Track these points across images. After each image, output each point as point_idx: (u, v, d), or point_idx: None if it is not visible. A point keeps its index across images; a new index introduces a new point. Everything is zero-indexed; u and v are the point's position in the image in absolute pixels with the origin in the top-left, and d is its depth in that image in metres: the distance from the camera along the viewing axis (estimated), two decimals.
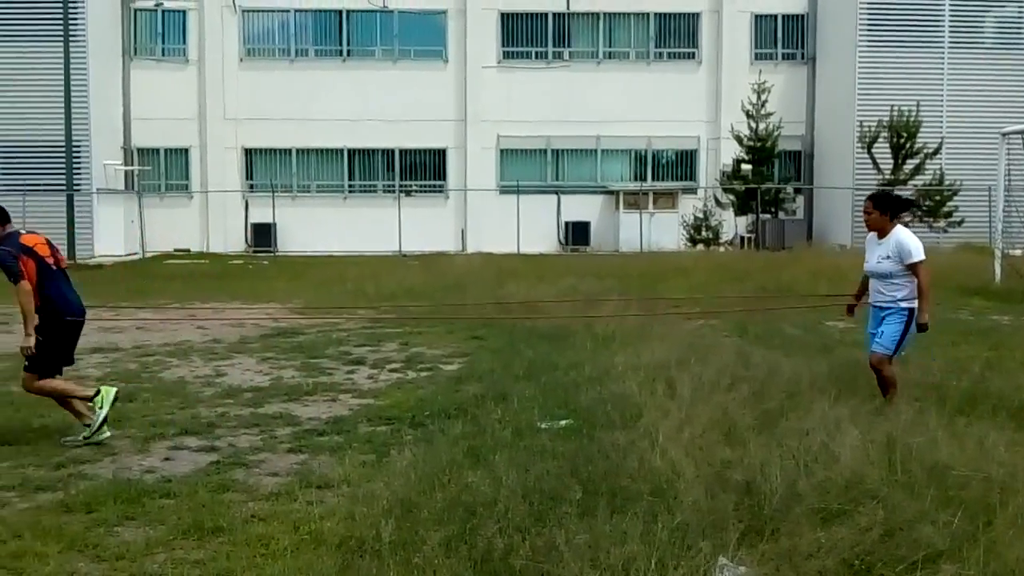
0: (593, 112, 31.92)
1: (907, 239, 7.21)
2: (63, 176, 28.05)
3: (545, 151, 32.75)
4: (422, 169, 32.95)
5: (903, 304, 7.23)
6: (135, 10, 32.23)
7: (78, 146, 28.30)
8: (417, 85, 31.99)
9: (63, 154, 27.99)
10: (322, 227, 31.29)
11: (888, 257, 7.25)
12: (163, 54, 32.63)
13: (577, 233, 31.90)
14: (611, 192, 32.21)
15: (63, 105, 27.74)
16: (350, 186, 32.82)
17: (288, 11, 32.60)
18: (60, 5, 27.87)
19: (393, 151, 32.63)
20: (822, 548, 4.50)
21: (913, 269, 7.18)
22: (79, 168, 28.44)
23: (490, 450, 6.33)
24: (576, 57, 32.79)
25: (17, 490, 5.94)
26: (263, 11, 32.67)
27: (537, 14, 32.58)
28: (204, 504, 5.55)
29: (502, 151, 32.67)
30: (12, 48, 28.55)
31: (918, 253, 7.16)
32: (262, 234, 31.53)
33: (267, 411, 8.12)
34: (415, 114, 31.79)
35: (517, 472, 5.66)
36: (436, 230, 31.48)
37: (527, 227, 30.65)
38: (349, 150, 32.52)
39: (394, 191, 32.28)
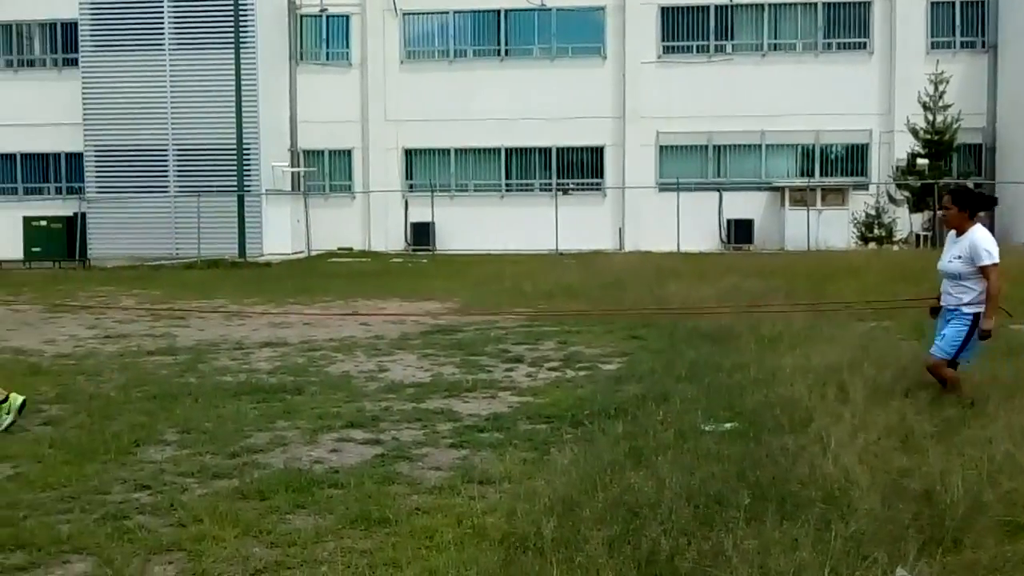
0: (757, 106, 31.08)
1: (981, 240, 6.87)
2: (234, 178, 29.32)
3: (706, 147, 32.13)
4: (579, 167, 32.87)
5: (966, 309, 6.92)
6: (301, 16, 33.38)
7: (248, 149, 29.46)
8: (575, 82, 31.92)
9: (234, 157, 29.25)
10: (479, 226, 31.65)
11: (959, 257, 6.96)
12: (327, 58, 33.66)
13: (740, 231, 31.16)
14: (776, 188, 31.34)
15: (234, 110, 28.98)
16: (507, 185, 33.07)
17: (447, 12, 33.09)
18: (231, 15, 29.13)
19: (550, 149, 32.70)
20: (1009, 562, 4.28)
21: (984, 272, 6.85)
22: (249, 170, 29.59)
23: (652, 451, 6.23)
24: (739, 50, 32.02)
25: (196, 476, 6.19)
26: (423, 13, 33.27)
27: (698, 7, 31.98)
28: (370, 495, 5.65)
29: (661, 147, 32.21)
30: (187, 57, 29.94)
31: (990, 256, 6.83)
32: (421, 233, 32.15)
33: (429, 406, 8.23)
34: (572, 112, 31.71)
35: (681, 474, 5.57)
36: (593, 228, 31.32)
37: (687, 225, 30.15)
38: (507, 149, 32.78)
39: (551, 189, 32.32)
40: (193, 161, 30.05)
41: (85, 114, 30.50)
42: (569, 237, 30.09)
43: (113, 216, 30.27)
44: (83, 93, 30.49)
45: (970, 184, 29.45)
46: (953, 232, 7.15)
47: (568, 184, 32.57)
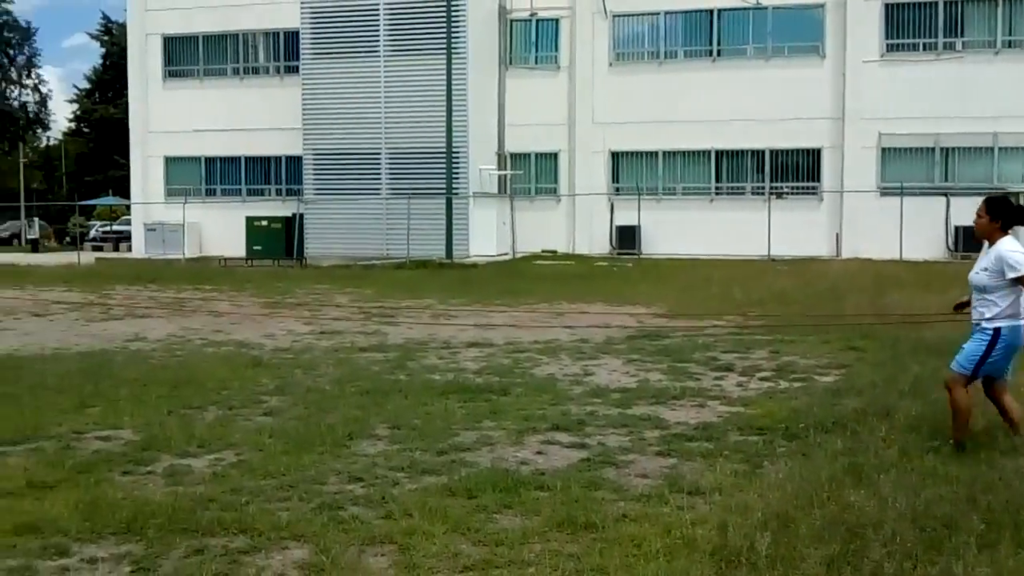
0: (989, 107, 29.07)
1: (1009, 251, 6.46)
2: (443, 181, 30.04)
3: (933, 150, 30.35)
4: (794, 170, 31.77)
5: (986, 324, 6.49)
6: (511, 21, 33.89)
7: (457, 152, 30.08)
8: (790, 83, 30.90)
9: (444, 160, 29.97)
10: (687, 230, 31.16)
11: (986, 269, 6.57)
12: (536, 62, 34.02)
13: (969, 239, 29.22)
14: (1011, 195, 29.20)
15: (445, 114, 29.69)
16: (717, 188, 32.40)
17: (658, 13, 32.77)
18: (444, 22, 29.86)
19: (763, 152, 31.78)
20: None
21: (1020, 282, 6.39)
22: (457, 173, 30.20)
23: (873, 469, 5.93)
24: (970, 47, 30.08)
25: (406, 471, 6.29)
26: (633, 15, 33.11)
27: (926, 3, 30.31)
28: (576, 499, 5.57)
29: (883, 150, 30.68)
30: (401, 63, 30.91)
31: (1019, 267, 6.35)
32: (626, 236, 31.96)
33: (635, 412, 8.08)
34: (788, 113, 30.71)
35: (905, 495, 5.30)
36: (808, 234, 30.23)
37: (910, 231, 28.58)
38: (717, 151, 32.11)
39: (763, 193, 31.45)
40: (404, 164, 30.96)
41: (304, 119, 32.04)
42: (782, 242, 29.16)
43: (328, 217, 31.66)
44: (303, 99, 32.04)
45: None
46: (987, 243, 6.78)
47: (782, 188, 31.55)
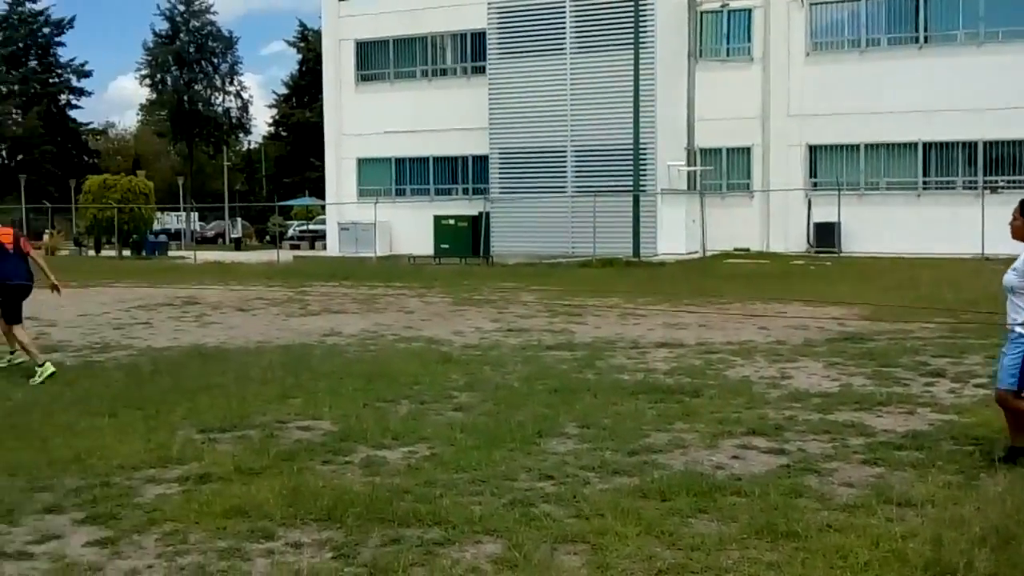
0: None
1: None
2: (630, 178, 29.81)
3: None
4: (1011, 162, 29.82)
5: (1021, 330, 6.24)
6: (701, 13, 33.29)
7: (644, 149, 29.81)
8: (1006, 69, 28.94)
9: (631, 157, 29.73)
10: (891, 226, 29.76)
11: (1015, 270, 6.42)
12: (727, 54, 33.31)
13: None
14: None
15: (632, 110, 29.46)
16: (924, 182, 30.81)
17: (858, 0, 31.49)
18: (631, 16, 29.62)
19: (976, 143, 29.97)
20: None
21: None
22: (645, 170, 29.93)
23: None
24: None
25: (596, 471, 6.20)
26: (831, 3, 31.97)
27: None
28: (776, 507, 5.33)
29: None
30: (587, 59, 30.87)
31: None
32: (825, 234, 30.80)
33: (837, 418, 7.69)
34: (1003, 101, 28.76)
35: None
36: None
37: None
38: (924, 143, 30.52)
39: (976, 187, 29.67)
40: (590, 162, 30.92)
41: (491, 118, 32.50)
42: (997, 240, 27.21)
43: (514, 215, 31.99)
44: (489, 98, 32.50)
45: None
46: None
47: (998, 181, 29.61)
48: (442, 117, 35.92)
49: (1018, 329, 6.31)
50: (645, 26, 29.79)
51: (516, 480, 5.98)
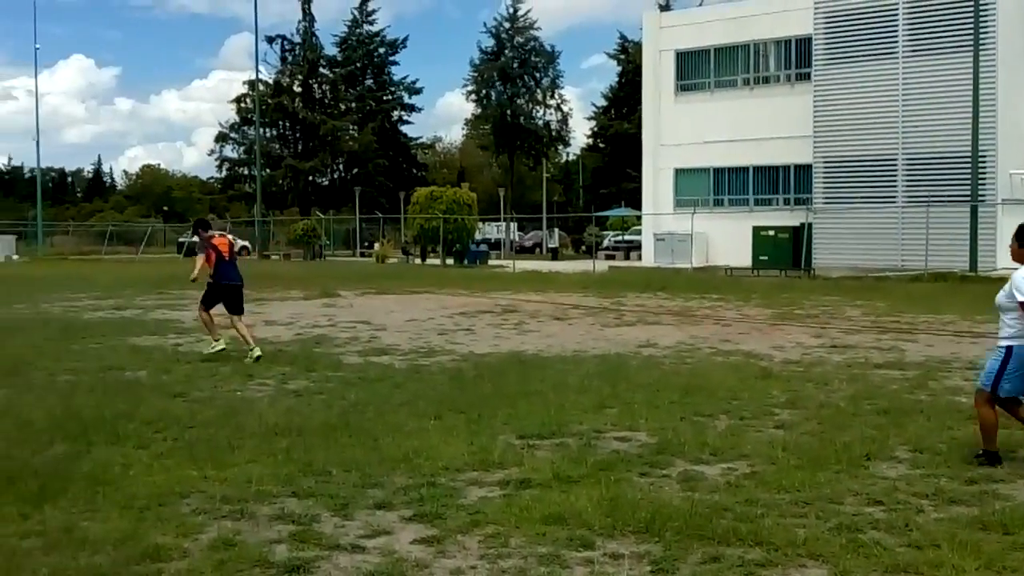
0: None
1: (1020, 277, 6.65)
2: (967, 187, 27.80)
3: None
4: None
5: (1001, 342, 6.75)
6: None
7: (984, 156, 27.84)
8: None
9: (968, 165, 27.72)
10: None
11: (1004, 290, 6.77)
12: None
13: None
14: None
15: (970, 116, 27.48)
16: None
17: None
18: (970, 17, 27.64)
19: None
20: None
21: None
22: (984, 178, 27.94)
23: None
24: None
25: (930, 499, 5.83)
26: None
27: None
28: None
29: None
30: (921, 62, 29.19)
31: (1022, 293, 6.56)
32: None
33: None
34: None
35: None
36: None
37: None
38: None
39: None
40: (922, 170, 29.29)
41: (815, 126, 31.47)
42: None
43: (838, 226, 30.74)
44: (814, 105, 31.47)
45: None
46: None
47: None
48: (763, 126, 35.23)
49: (1000, 342, 6.77)
50: (986, 26, 27.79)
51: (842, 504, 5.73)
